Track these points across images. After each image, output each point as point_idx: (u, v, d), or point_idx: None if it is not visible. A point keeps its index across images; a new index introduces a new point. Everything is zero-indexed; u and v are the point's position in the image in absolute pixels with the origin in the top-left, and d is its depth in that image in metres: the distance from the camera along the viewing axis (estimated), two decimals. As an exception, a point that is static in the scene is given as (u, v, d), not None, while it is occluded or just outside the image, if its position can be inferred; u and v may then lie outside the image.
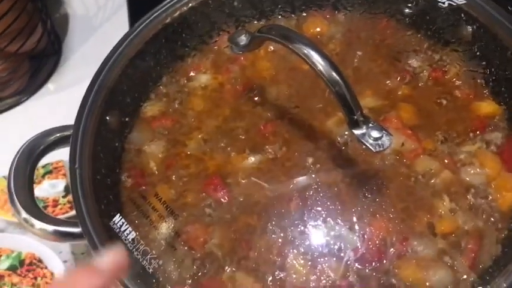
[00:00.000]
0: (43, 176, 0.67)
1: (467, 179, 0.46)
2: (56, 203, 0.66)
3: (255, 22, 0.58)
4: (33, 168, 0.48)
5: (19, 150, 0.48)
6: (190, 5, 0.55)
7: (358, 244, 0.42)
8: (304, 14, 0.58)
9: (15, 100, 0.78)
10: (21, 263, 0.61)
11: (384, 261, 0.42)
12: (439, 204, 0.44)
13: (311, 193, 0.45)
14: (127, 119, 0.53)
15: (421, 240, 0.42)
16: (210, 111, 0.52)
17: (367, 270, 0.41)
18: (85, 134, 0.48)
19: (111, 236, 0.44)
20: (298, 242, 0.43)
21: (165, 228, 0.45)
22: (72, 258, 0.62)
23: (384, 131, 0.39)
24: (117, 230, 0.44)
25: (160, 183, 0.48)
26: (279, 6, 0.58)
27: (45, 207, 0.65)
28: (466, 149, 0.47)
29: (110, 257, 0.34)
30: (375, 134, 0.39)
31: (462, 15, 0.52)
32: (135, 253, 0.44)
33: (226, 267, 0.43)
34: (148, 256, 0.44)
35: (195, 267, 0.44)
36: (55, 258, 0.61)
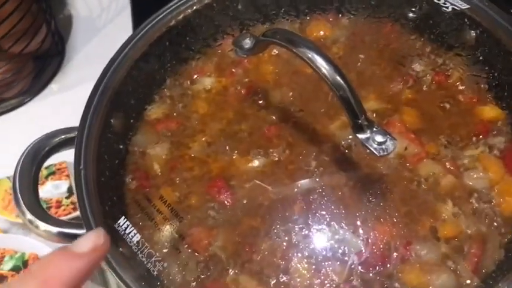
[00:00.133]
0: (46, 177, 0.67)
1: (470, 183, 0.46)
2: (59, 204, 0.66)
3: (260, 25, 0.58)
4: (38, 170, 0.48)
5: (24, 152, 0.48)
6: (194, 7, 0.55)
7: (362, 248, 0.42)
8: (308, 18, 0.58)
9: (19, 101, 0.79)
10: (25, 263, 0.61)
11: (388, 265, 0.42)
12: (442, 208, 0.44)
13: (315, 196, 0.45)
14: (131, 121, 0.53)
15: (425, 245, 0.43)
16: (214, 114, 0.53)
17: (370, 274, 0.41)
18: (90, 135, 0.48)
19: (116, 238, 0.44)
20: (302, 246, 0.43)
21: (169, 230, 0.45)
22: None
23: (388, 136, 0.39)
24: (122, 232, 0.44)
25: (164, 186, 0.48)
26: (283, 9, 0.58)
27: (49, 208, 0.65)
28: (469, 153, 0.47)
29: (89, 239, 0.32)
30: (379, 138, 0.39)
31: (466, 20, 0.52)
32: (140, 255, 0.44)
33: (230, 270, 0.43)
34: (153, 259, 0.44)
35: (199, 269, 0.44)
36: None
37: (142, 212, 0.47)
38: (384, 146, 0.39)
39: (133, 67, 0.53)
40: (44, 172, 0.67)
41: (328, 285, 0.41)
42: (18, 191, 0.46)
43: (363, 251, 0.42)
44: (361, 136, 0.40)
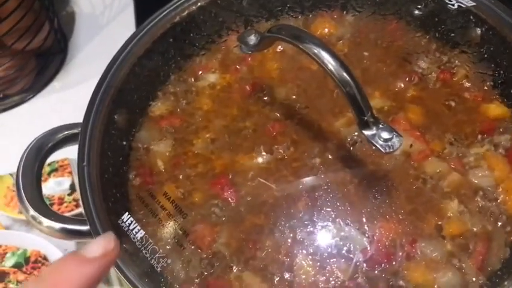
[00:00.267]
0: (49, 174, 0.67)
1: (476, 181, 0.45)
2: (61, 200, 0.66)
3: (264, 22, 0.58)
4: (42, 166, 0.48)
5: (27, 147, 0.48)
6: (199, 4, 0.55)
7: (367, 245, 0.42)
8: (313, 15, 0.58)
9: (21, 98, 0.78)
10: (27, 260, 0.61)
11: (393, 263, 0.41)
12: (448, 206, 0.44)
13: (320, 193, 0.45)
14: (135, 118, 0.53)
15: (430, 242, 0.42)
16: (218, 110, 0.52)
17: (376, 272, 0.41)
18: (93, 132, 0.48)
19: (119, 234, 0.43)
20: (307, 243, 0.43)
21: (173, 227, 0.45)
22: (78, 256, 0.62)
23: (394, 132, 0.39)
24: (126, 229, 0.44)
25: (168, 182, 0.48)
26: (288, 6, 0.57)
27: (51, 205, 0.65)
28: (475, 151, 0.47)
29: (100, 244, 0.32)
30: (385, 135, 0.39)
31: (471, 17, 0.52)
32: (144, 252, 0.43)
33: (234, 267, 0.43)
34: (157, 255, 0.43)
35: (202, 266, 0.43)
36: (60, 255, 0.61)
37: (146, 208, 0.47)
38: (390, 143, 0.39)
39: (137, 64, 0.53)
40: (46, 169, 0.67)
41: (333, 282, 0.41)
42: (21, 187, 0.46)
43: (368, 248, 0.42)
44: (367, 133, 0.39)
